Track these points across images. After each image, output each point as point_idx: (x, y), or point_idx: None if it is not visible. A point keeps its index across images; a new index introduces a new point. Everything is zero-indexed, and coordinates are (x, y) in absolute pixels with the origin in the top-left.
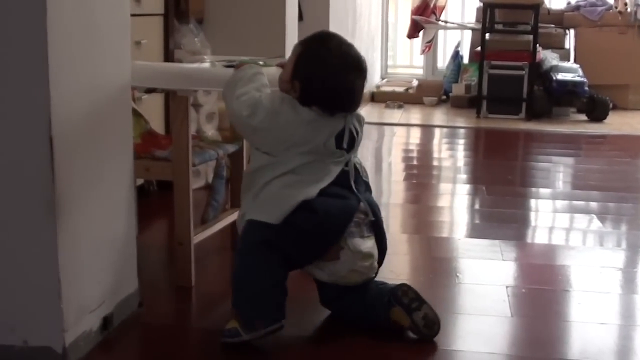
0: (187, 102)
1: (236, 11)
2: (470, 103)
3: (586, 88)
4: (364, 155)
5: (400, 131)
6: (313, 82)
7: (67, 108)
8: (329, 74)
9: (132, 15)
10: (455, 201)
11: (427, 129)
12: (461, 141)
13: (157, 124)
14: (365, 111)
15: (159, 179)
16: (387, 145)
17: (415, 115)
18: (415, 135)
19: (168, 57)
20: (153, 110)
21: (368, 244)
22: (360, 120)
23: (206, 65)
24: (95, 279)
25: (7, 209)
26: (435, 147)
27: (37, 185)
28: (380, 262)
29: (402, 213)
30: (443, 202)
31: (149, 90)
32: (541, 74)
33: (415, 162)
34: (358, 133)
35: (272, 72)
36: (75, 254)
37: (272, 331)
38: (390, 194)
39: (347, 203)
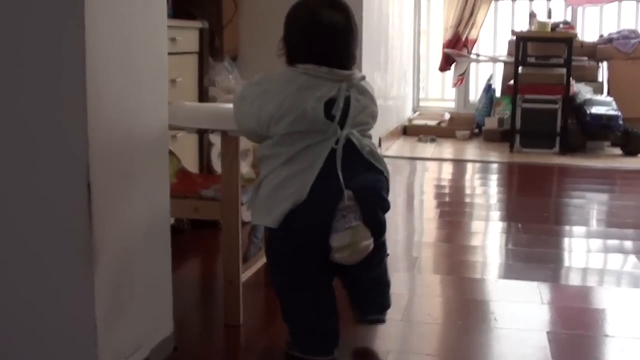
0: (238, 142)
1: (270, 48)
2: (503, 137)
3: (620, 122)
4: (396, 190)
5: (432, 166)
6: (290, 30)
7: (105, 153)
8: (302, 17)
9: (168, 54)
10: (490, 240)
11: (459, 164)
12: (494, 176)
13: (189, 162)
14: (398, 145)
15: (207, 218)
16: (419, 180)
17: (447, 149)
18: (448, 170)
19: (202, 94)
20: (185, 148)
21: (342, 238)
22: (364, 91)
23: None
24: (131, 325)
25: (44, 255)
26: (468, 183)
27: (75, 231)
28: (378, 238)
29: (435, 252)
30: (477, 241)
31: (200, 131)
32: (575, 108)
33: (448, 199)
34: (359, 103)
35: None
36: (112, 300)
37: None
38: (423, 232)
39: (322, 204)
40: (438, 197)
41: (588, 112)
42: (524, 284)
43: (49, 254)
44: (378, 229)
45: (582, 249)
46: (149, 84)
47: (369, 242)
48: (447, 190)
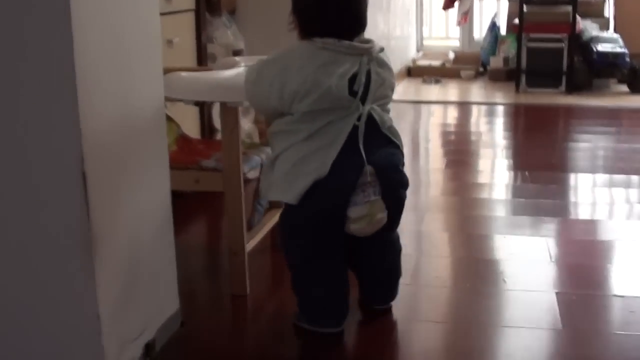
0: (238, 112)
1: (268, 1)
2: (508, 76)
3: (627, 59)
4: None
5: (437, 110)
6: (302, 3)
7: (98, 140)
8: None
9: (163, 14)
10: (497, 192)
11: (465, 107)
12: (500, 120)
13: (189, 126)
14: (402, 87)
15: (209, 190)
16: (424, 127)
17: (452, 90)
18: (453, 114)
19: (201, 53)
20: (185, 112)
21: (360, 211)
22: (382, 64)
23: (242, 69)
24: (135, 308)
25: (43, 247)
26: (473, 128)
27: (73, 222)
28: (395, 219)
29: (443, 206)
30: (484, 193)
31: (198, 103)
32: (581, 45)
33: (453, 147)
34: (379, 77)
35: None
36: (115, 286)
37: (331, 333)
38: (430, 184)
39: (343, 179)
40: (444, 145)
41: (594, 50)
42: (533, 240)
43: (47, 246)
44: (397, 204)
45: (588, 200)
46: (141, 64)
47: (384, 215)
48: (452, 137)
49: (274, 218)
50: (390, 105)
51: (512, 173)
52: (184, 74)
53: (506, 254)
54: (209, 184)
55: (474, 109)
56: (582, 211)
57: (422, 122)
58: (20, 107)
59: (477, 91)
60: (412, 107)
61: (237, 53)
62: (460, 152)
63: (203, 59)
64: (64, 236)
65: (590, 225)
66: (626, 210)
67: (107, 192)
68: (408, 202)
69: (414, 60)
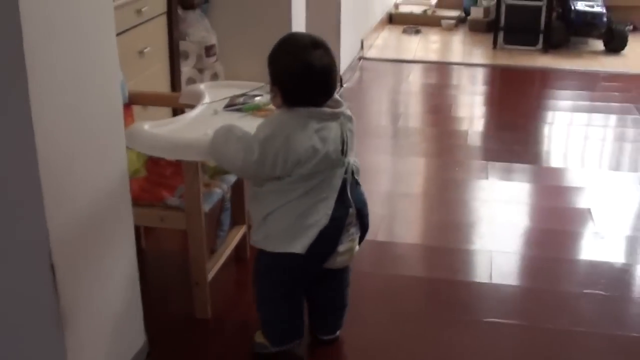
0: (197, 166)
1: None
2: (488, 27)
3: (605, 19)
4: (379, 101)
5: (415, 71)
6: (282, 76)
7: (66, 228)
8: (293, 65)
9: (134, 27)
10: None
11: (442, 68)
12: (477, 88)
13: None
14: (382, 37)
15: (173, 227)
16: (403, 95)
17: (432, 44)
18: (431, 76)
19: (173, 55)
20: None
21: (346, 246)
22: (350, 119)
23: (204, 107)
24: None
25: (14, 327)
26: (449, 94)
27: (42, 304)
28: (361, 241)
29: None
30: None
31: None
32: (560, 3)
33: (426, 119)
34: (351, 132)
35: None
36: (85, 347)
37: (296, 345)
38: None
39: (338, 225)
40: (417, 116)
41: (573, 8)
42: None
43: (17, 326)
44: (364, 232)
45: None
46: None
47: (357, 247)
48: (427, 106)
49: (237, 238)
50: (355, 31)
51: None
52: (146, 127)
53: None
54: (173, 222)
55: (452, 71)
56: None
57: (400, 87)
58: None
59: (456, 46)
60: (391, 66)
61: (209, 49)
62: (433, 123)
63: (175, 61)
64: (34, 314)
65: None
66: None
67: (76, 272)
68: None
69: (396, 5)
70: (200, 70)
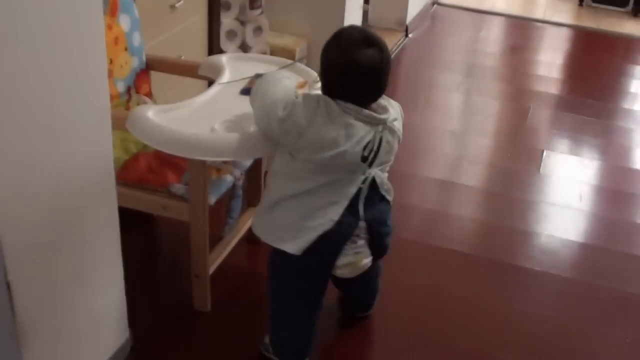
0: (204, 166)
1: None
2: None
3: None
4: (443, 60)
5: (491, 26)
6: (328, 69)
7: (28, 238)
8: (339, 58)
9: None
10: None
11: (520, 25)
12: (554, 55)
13: (198, 45)
14: None
15: (175, 218)
16: (471, 55)
17: None
18: (507, 33)
19: (213, 6)
20: (192, 30)
21: (349, 259)
22: (393, 132)
23: (220, 87)
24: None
25: None
26: (522, 62)
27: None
28: (380, 257)
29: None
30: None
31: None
32: None
33: (491, 88)
34: (388, 144)
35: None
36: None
37: None
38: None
39: (341, 233)
40: (485, 83)
41: None
42: None
43: None
44: (382, 252)
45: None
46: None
47: (368, 260)
48: (494, 72)
49: (246, 224)
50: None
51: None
52: (150, 113)
53: None
54: (175, 212)
55: (531, 29)
56: None
57: (467, 40)
58: None
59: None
60: (466, 16)
61: (253, 1)
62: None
63: (215, 12)
64: None
65: None
66: None
67: (37, 286)
68: None
69: None
70: (243, 23)
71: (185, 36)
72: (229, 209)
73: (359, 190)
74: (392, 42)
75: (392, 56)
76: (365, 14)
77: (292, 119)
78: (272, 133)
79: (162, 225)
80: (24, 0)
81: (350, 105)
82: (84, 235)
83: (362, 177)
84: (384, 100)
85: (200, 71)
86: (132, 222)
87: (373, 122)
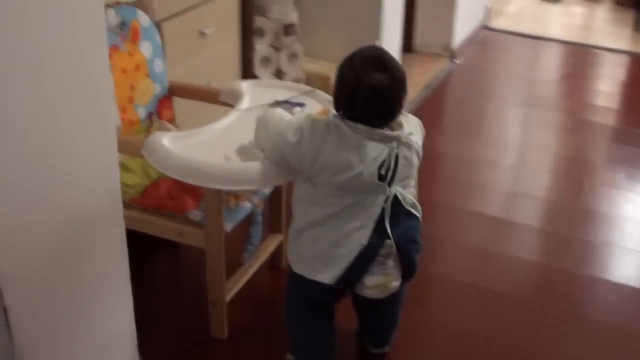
0: (220, 194)
1: None
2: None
3: None
4: (492, 90)
5: (544, 52)
6: (337, 87)
7: (27, 263)
8: (348, 76)
9: (195, 6)
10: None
11: (574, 51)
12: (613, 88)
13: (230, 69)
14: (517, 4)
15: (192, 244)
16: (522, 84)
17: (571, 18)
18: (562, 60)
19: (246, 33)
20: (225, 54)
21: (376, 280)
22: (410, 146)
23: (238, 114)
24: None
25: None
26: (576, 91)
27: None
28: (407, 279)
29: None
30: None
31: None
32: None
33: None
34: (406, 160)
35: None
36: None
37: None
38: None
39: (368, 255)
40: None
41: None
42: None
43: None
44: (412, 272)
45: None
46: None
47: (398, 283)
48: (548, 104)
49: (268, 250)
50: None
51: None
52: (165, 140)
53: None
54: (192, 239)
55: (586, 56)
56: None
57: (518, 68)
58: None
59: (597, 24)
60: (518, 41)
61: (288, 27)
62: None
63: (248, 39)
64: None
65: None
66: None
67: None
68: None
69: None
70: (277, 49)
71: (216, 63)
72: (248, 236)
73: (383, 209)
74: (437, 68)
75: (437, 82)
76: (408, 39)
77: (305, 142)
78: (288, 163)
79: (186, 251)
80: (26, 31)
81: (360, 126)
82: (89, 263)
83: (384, 197)
84: (400, 116)
85: (221, 97)
86: (159, 247)
87: (386, 140)
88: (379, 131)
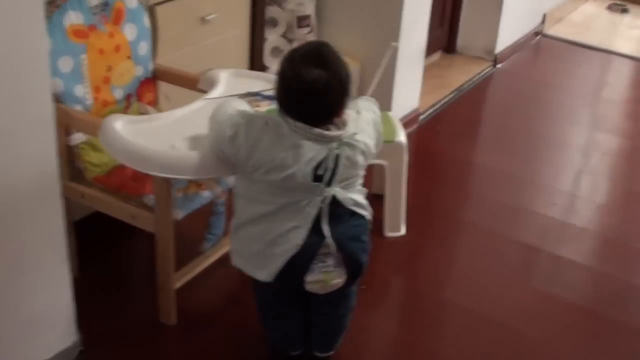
0: (170, 183)
1: None
2: None
3: None
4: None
5: (599, 65)
6: (277, 81)
7: None
8: (286, 71)
9: None
10: None
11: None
12: None
13: (240, 60)
14: (581, 12)
15: (143, 228)
16: (566, 99)
17: (636, 30)
18: (617, 73)
19: (256, 23)
20: (235, 45)
21: (316, 277)
22: (354, 147)
23: (204, 103)
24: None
25: None
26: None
27: None
28: (352, 281)
29: None
30: None
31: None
32: None
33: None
34: (348, 160)
35: None
36: None
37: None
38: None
39: (306, 253)
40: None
41: None
42: None
43: None
44: (357, 270)
45: None
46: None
47: (341, 280)
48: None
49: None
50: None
51: None
52: (118, 124)
53: None
54: (143, 222)
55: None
56: None
57: (564, 80)
58: None
59: None
60: (572, 50)
61: (302, 19)
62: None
63: (257, 29)
64: None
65: None
66: None
67: None
68: None
69: None
70: (290, 41)
71: (220, 50)
72: (209, 226)
73: (320, 209)
74: (475, 70)
75: (472, 85)
76: (451, 40)
77: (239, 137)
78: (225, 154)
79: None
80: None
81: (299, 124)
82: (21, 236)
83: (321, 198)
84: (349, 112)
85: (199, 84)
86: (135, 232)
87: (325, 140)
88: (318, 131)
